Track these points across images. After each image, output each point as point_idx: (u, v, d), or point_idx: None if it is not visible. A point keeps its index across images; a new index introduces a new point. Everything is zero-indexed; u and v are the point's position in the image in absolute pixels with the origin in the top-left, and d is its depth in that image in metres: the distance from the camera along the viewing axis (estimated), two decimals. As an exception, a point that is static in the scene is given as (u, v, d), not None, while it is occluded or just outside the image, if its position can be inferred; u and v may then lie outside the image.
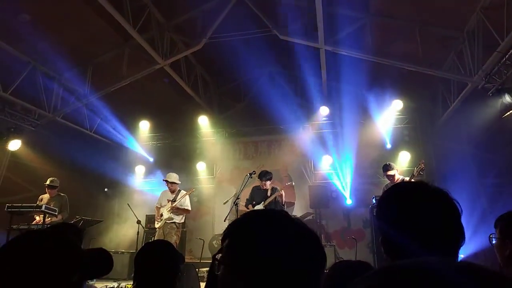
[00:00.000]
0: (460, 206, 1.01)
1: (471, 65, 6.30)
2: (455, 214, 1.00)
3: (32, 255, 1.17)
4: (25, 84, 7.04)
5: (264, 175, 6.36)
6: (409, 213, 1.01)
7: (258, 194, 6.44)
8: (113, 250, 8.21)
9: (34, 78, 7.28)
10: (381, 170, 8.73)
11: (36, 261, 1.15)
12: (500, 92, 6.12)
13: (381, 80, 7.92)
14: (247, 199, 6.57)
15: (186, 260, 7.93)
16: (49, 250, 1.18)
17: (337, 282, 1.61)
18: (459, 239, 0.99)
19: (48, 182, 6.50)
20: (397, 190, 1.13)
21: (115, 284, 5.89)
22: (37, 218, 6.24)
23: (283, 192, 6.39)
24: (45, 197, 6.51)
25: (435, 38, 6.77)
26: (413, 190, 1.09)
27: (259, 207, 6.27)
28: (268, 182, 6.34)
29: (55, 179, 6.59)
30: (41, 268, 1.14)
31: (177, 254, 2.02)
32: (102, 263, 1.90)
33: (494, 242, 1.79)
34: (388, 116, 8.85)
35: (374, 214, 7.36)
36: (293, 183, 6.80)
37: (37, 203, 6.27)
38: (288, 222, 0.89)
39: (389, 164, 6.10)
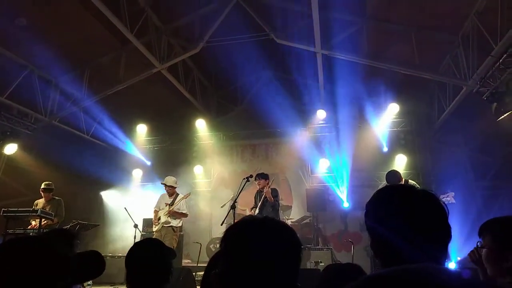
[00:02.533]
0: (447, 207, 1.05)
1: (466, 69, 6.36)
2: (444, 214, 1.04)
3: (17, 262, 1.17)
4: (22, 88, 7.03)
5: (257, 175, 6.35)
6: (404, 213, 1.03)
7: (257, 197, 6.49)
8: (109, 254, 8.17)
9: (31, 81, 7.27)
10: (378, 173, 8.80)
11: (21, 269, 1.16)
12: (494, 96, 6.18)
13: (378, 84, 7.98)
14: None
15: (183, 264, 7.90)
16: (33, 258, 1.18)
17: (329, 284, 1.63)
18: (448, 238, 1.03)
19: (43, 186, 6.47)
20: (389, 192, 1.16)
21: (111, 289, 5.85)
22: (33, 222, 6.20)
23: (267, 190, 6.28)
24: (40, 201, 6.47)
25: (430, 42, 6.84)
26: (404, 191, 1.12)
27: (256, 210, 6.30)
28: (262, 181, 6.31)
29: (50, 182, 6.56)
30: (25, 275, 1.14)
31: (166, 249, 2.01)
32: (94, 265, 1.89)
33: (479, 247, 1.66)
34: (384, 119, 8.90)
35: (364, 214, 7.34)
36: (273, 179, 6.68)
37: (33, 207, 6.23)
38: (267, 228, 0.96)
39: (395, 172, 5.65)
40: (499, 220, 1.63)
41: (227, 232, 1.00)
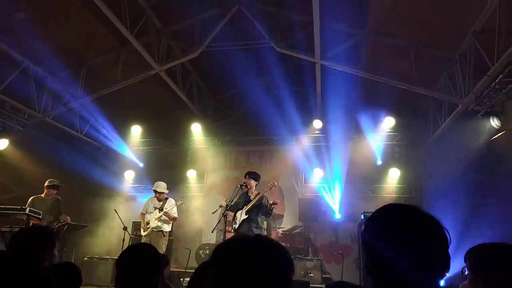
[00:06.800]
0: (449, 235, 1.03)
1: (462, 87, 6.43)
2: (446, 242, 1.03)
3: None
4: (16, 83, 6.95)
5: (250, 173, 5.99)
6: (404, 235, 1.02)
7: (241, 197, 5.95)
8: (97, 256, 8.06)
9: (26, 77, 7.19)
10: (371, 186, 8.83)
11: None
12: (489, 115, 6.25)
13: (374, 97, 8.02)
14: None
15: (172, 269, 7.80)
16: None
17: None
18: (446, 267, 1.02)
19: (51, 182, 6.36)
20: (393, 211, 1.13)
21: (98, 292, 5.75)
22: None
23: (265, 194, 5.80)
24: (39, 198, 6.32)
25: (428, 58, 6.91)
26: (409, 213, 1.10)
27: (241, 213, 5.77)
28: (251, 181, 5.89)
29: (56, 179, 6.48)
30: None
31: (159, 257, 1.98)
32: (69, 279, 1.81)
33: (466, 274, 1.77)
34: (379, 132, 8.94)
35: (362, 230, 7.36)
36: (276, 184, 6.16)
37: (29, 204, 6.09)
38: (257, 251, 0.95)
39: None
40: (474, 248, 1.77)
41: (218, 253, 0.98)
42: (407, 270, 0.96)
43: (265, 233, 7.34)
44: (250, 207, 5.70)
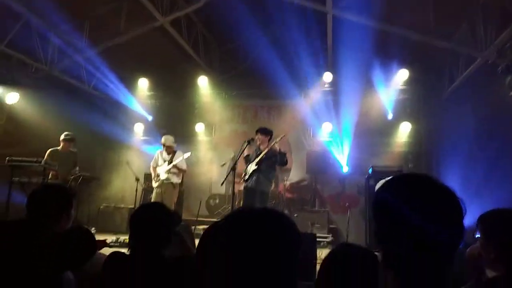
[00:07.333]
0: (465, 206, 1.02)
1: (483, 39, 6.07)
2: (459, 212, 1.01)
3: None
4: (20, 37, 6.82)
5: (261, 129, 6.03)
6: (411, 204, 1.00)
7: (254, 151, 6.10)
8: (113, 205, 8.47)
9: (29, 30, 7.03)
10: (381, 140, 8.72)
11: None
12: (509, 69, 5.95)
13: (387, 49, 7.61)
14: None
15: (183, 218, 8.17)
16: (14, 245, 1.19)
17: (337, 271, 1.52)
18: (459, 237, 1.01)
19: (67, 135, 6.65)
20: (401, 181, 1.11)
21: (114, 238, 6.12)
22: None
23: (276, 145, 5.80)
24: (55, 151, 6.55)
25: (448, 7, 6.44)
26: (417, 182, 1.08)
27: (252, 165, 5.92)
28: (262, 137, 5.93)
29: (71, 132, 6.72)
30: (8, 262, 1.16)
31: (170, 217, 2.06)
32: (82, 247, 1.81)
33: (478, 236, 1.80)
34: (391, 86, 8.65)
35: (370, 183, 7.42)
36: (286, 136, 6.24)
37: (47, 157, 6.31)
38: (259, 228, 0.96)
39: None
40: (486, 215, 1.77)
41: (227, 221, 1.00)
42: (415, 239, 0.96)
43: (273, 186, 7.53)
44: (260, 159, 5.84)
